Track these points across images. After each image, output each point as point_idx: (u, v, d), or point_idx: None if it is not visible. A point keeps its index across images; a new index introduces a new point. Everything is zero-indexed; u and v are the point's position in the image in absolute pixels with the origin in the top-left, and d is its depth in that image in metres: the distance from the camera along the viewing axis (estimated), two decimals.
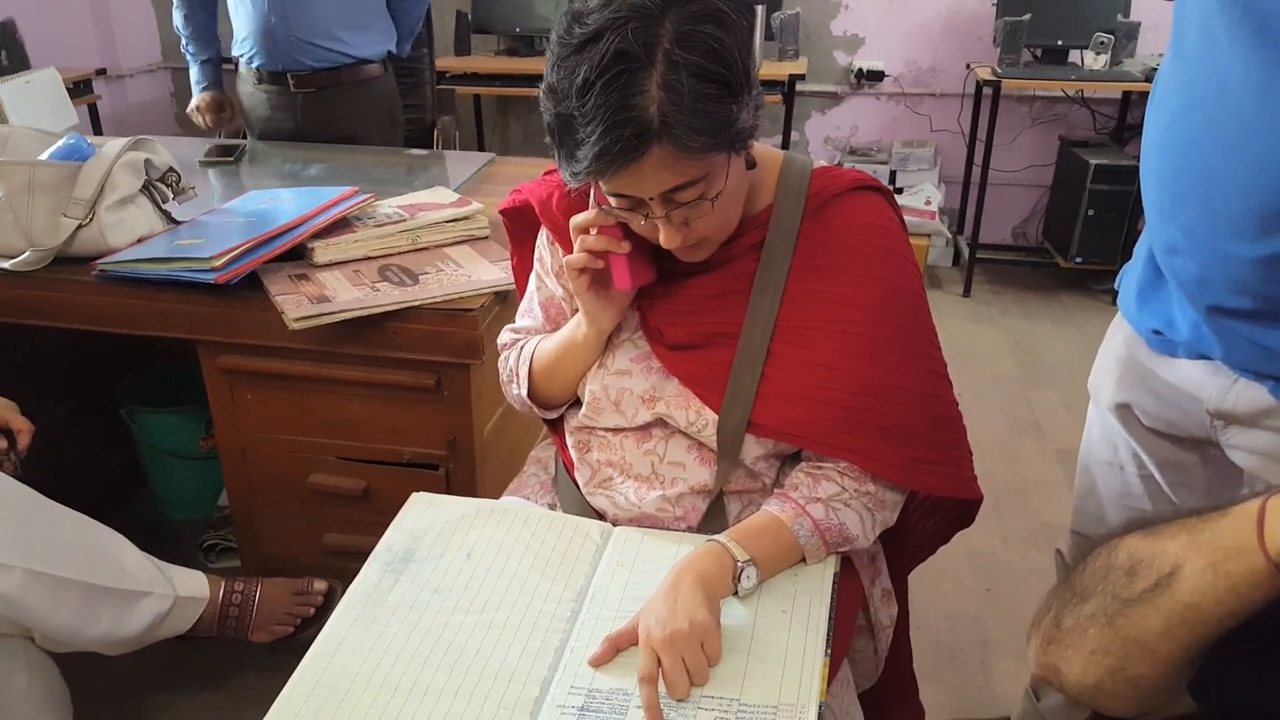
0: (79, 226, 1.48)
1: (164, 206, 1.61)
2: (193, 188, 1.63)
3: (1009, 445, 2.53)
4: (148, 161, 1.57)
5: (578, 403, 1.11)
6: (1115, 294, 1.17)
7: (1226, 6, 0.85)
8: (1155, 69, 1.84)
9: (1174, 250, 0.97)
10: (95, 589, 1.33)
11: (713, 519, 1.05)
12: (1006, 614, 1.91)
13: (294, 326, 1.35)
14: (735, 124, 0.87)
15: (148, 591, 1.41)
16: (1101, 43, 3.22)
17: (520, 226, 1.23)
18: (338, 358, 1.46)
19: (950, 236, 3.72)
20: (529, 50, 3.63)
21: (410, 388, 1.45)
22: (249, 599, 1.54)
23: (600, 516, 1.10)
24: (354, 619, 0.95)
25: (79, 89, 3.37)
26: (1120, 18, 3.27)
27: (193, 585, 1.49)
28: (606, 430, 1.08)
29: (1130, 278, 1.12)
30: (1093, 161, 3.25)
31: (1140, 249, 1.10)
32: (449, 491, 1.37)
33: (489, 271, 1.49)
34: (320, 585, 1.60)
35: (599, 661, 0.89)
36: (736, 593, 0.95)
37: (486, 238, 1.62)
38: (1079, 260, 3.37)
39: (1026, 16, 3.25)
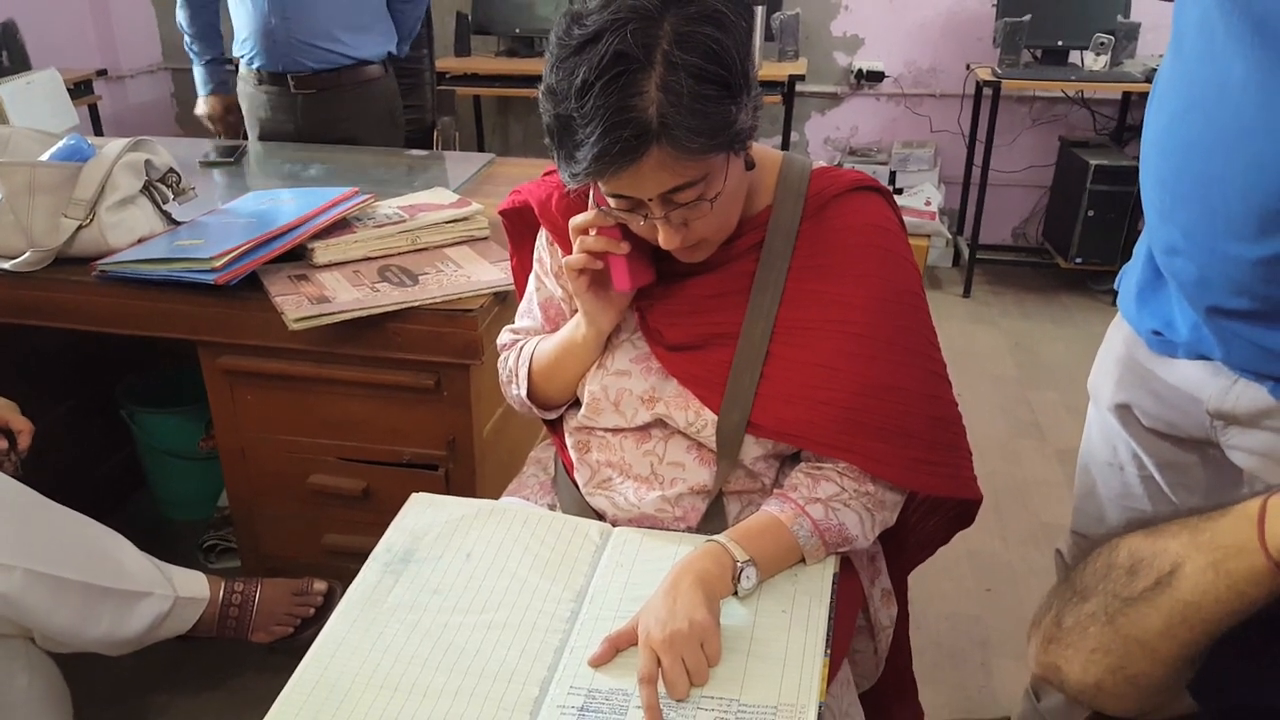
0: (79, 227, 1.48)
1: (164, 207, 1.61)
2: (193, 188, 1.63)
3: (1009, 446, 2.53)
4: (148, 162, 1.57)
5: (577, 403, 1.11)
6: (1115, 294, 1.17)
7: (1225, 7, 0.85)
8: (1155, 69, 1.84)
9: (1173, 251, 0.97)
10: (96, 589, 1.33)
11: (712, 519, 1.05)
12: (1006, 614, 1.91)
13: (294, 327, 1.35)
14: (734, 125, 0.87)
15: (148, 592, 1.41)
16: (1101, 43, 3.22)
17: (520, 227, 1.23)
18: (337, 358, 1.46)
19: (950, 237, 3.72)
20: (529, 51, 3.63)
21: (410, 388, 1.45)
22: (249, 599, 1.54)
23: (600, 517, 1.10)
24: (354, 619, 0.95)
25: (79, 90, 3.38)
26: (1120, 18, 3.27)
27: (193, 586, 1.49)
28: (606, 431, 1.09)
29: (1130, 278, 1.12)
30: (1093, 162, 3.25)
31: (1140, 249, 1.10)
32: (449, 492, 1.37)
33: (488, 272, 1.49)
34: (320, 586, 1.60)
35: (598, 662, 0.89)
36: (736, 593, 0.95)
37: (486, 238, 1.62)
38: (1079, 261, 3.37)
39: (1026, 17, 3.25)
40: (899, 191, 3.66)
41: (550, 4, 3.54)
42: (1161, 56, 1.02)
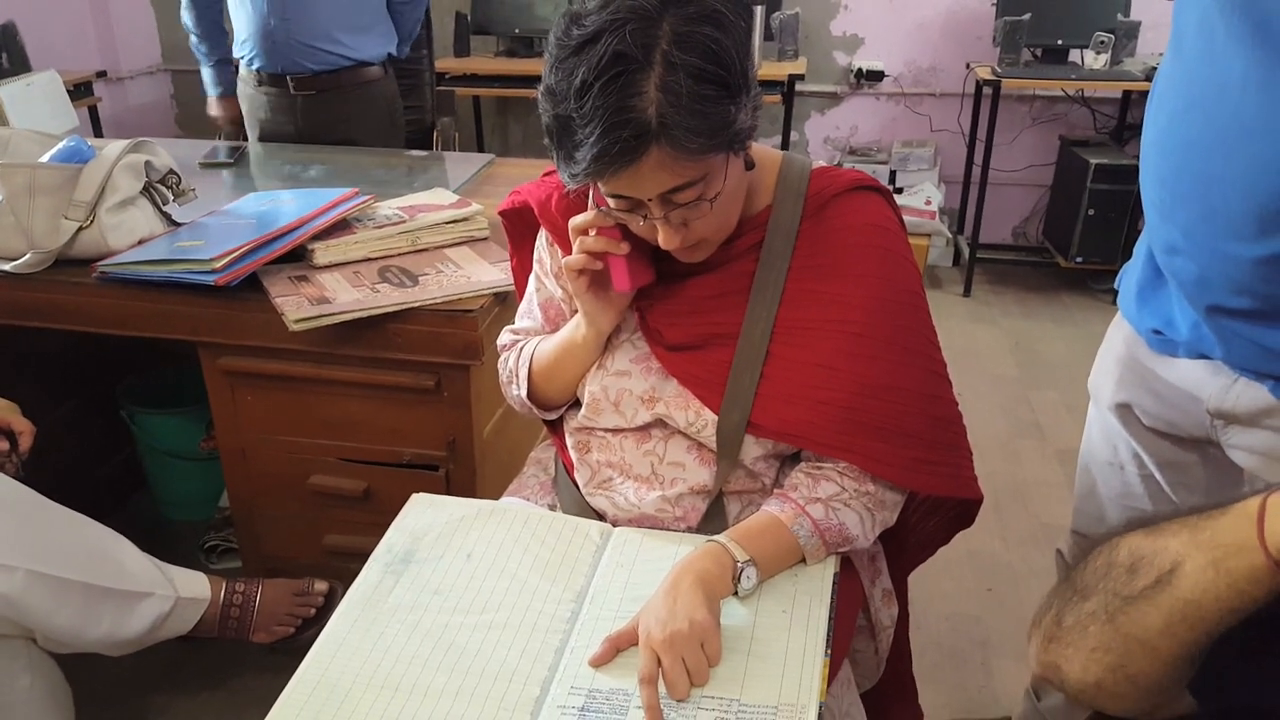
0: (79, 229, 1.48)
1: (164, 208, 1.61)
2: (193, 189, 1.63)
3: (1009, 445, 2.53)
4: (148, 164, 1.57)
5: (577, 404, 1.11)
6: (1115, 294, 1.17)
7: (1225, 7, 0.85)
8: (1155, 68, 1.84)
9: (1174, 250, 0.97)
10: (97, 590, 1.34)
11: (712, 519, 1.05)
12: (1007, 614, 1.91)
13: (294, 328, 1.35)
14: (733, 125, 0.87)
15: (149, 592, 1.41)
16: (1102, 42, 3.22)
17: (520, 228, 1.23)
18: (338, 359, 1.46)
19: (950, 236, 3.72)
20: (528, 51, 3.63)
21: (410, 389, 1.45)
22: (250, 600, 1.54)
23: (600, 517, 1.10)
24: (354, 620, 0.95)
25: (79, 91, 3.38)
26: (1120, 17, 3.27)
27: (194, 586, 1.50)
28: (606, 431, 1.09)
29: (1130, 277, 1.12)
30: (1093, 161, 3.25)
31: (1140, 249, 1.10)
32: (449, 492, 1.37)
33: (488, 273, 1.49)
34: (321, 586, 1.60)
35: (599, 662, 0.89)
36: (736, 593, 0.95)
37: (486, 239, 1.62)
38: (1079, 260, 3.37)
39: (1026, 16, 3.25)
40: (899, 191, 3.65)
41: (550, 4, 3.54)
42: (1162, 55, 1.02)
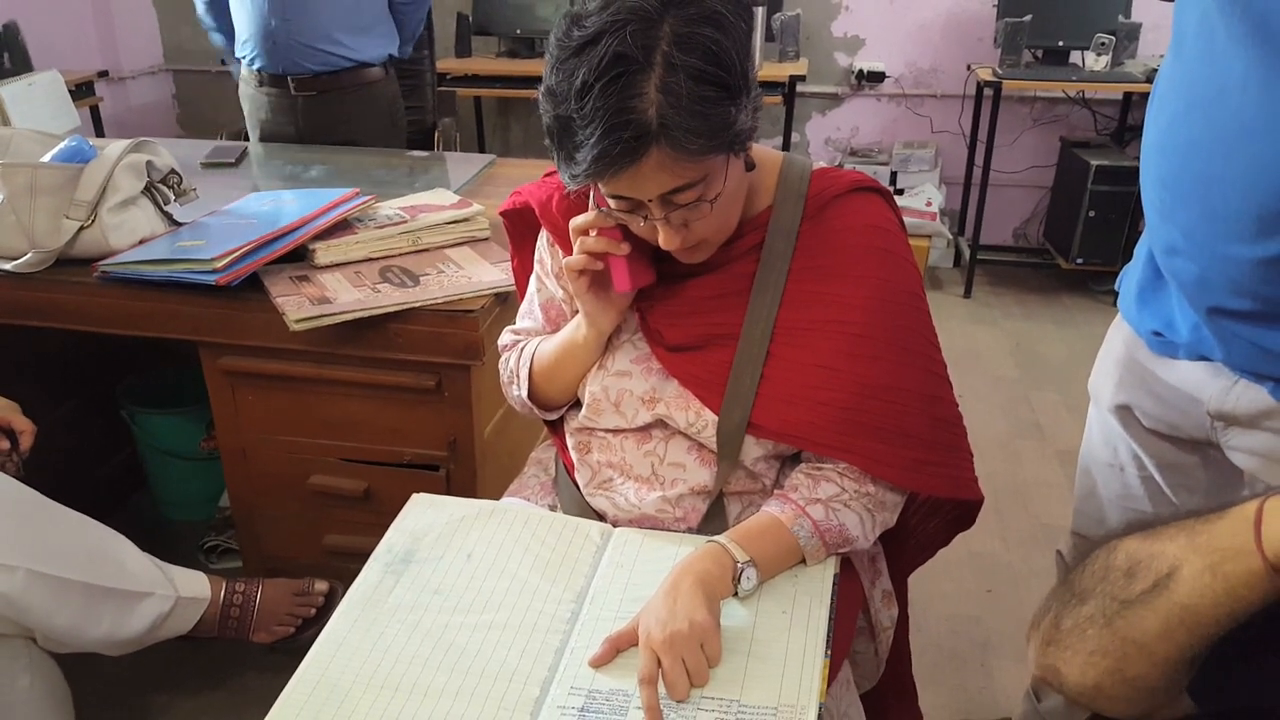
0: (81, 228, 1.48)
1: (165, 208, 1.61)
2: (194, 189, 1.63)
3: (1009, 446, 2.53)
4: (149, 163, 1.57)
5: (578, 404, 1.12)
6: (1116, 295, 1.17)
7: (1225, 7, 0.85)
8: (1156, 70, 1.84)
9: (1174, 251, 0.97)
10: (97, 589, 1.34)
11: (713, 520, 1.05)
12: (1007, 615, 1.91)
13: (295, 328, 1.36)
14: (734, 126, 0.87)
15: (149, 592, 1.41)
16: (1102, 44, 3.22)
17: (520, 228, 1.23)
18: (339, 359, 1.46)
19: (951, 238, 3.72)
20: (529, 52, 3.63)
21: (411, 389, 1.46)
22: (250, 599, 1.54)
23: (600, 517, 1.10)
24: (354, 620, 0.95)
25: (81, 91, 3.38)
26: (1121, 18, 3.27)
27: (194, 586, 1.50)
28: (606, 431, 1.09)
29: (1130, 279, 1.12)
30: (1094, 162, 3.25)
31: (1140, 250, 1.10)
32: (449, 492, 1.37)
33: (489, 273, 1.49)
34: (321, 586, 1.60)
35: (599, 662, 0.89)
36: (736, 594, 0.95)
37: (487, 239, 1.62)
38: (1080, 261, 3.37)
39: (1027, 17, 3.25)
40: (900, 192, 3.66)
41: (550, 5, 3.54)
42: (1162, 57, 1.02)
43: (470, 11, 3.63)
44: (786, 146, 3.56)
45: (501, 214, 1.22)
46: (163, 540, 1.74)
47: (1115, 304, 1.17)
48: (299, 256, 1.51)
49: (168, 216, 1.62)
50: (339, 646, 0.92)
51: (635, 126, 0.83)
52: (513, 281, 1.38)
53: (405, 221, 1.59)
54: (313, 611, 1.58)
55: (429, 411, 1.48)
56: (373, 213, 1.62)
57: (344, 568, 1.33)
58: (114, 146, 1.54)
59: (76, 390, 2.01)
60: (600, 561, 1.02)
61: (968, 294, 3.53)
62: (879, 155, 3.80)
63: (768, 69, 3.32)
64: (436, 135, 2.85)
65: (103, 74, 3.74)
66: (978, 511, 1.11)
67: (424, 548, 1.05)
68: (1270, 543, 0.59)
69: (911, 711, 1.31)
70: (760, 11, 3.18)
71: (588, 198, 1.02)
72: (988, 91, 3.29)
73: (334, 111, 2.43)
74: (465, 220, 1.62)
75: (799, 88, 3.46)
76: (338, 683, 0.88)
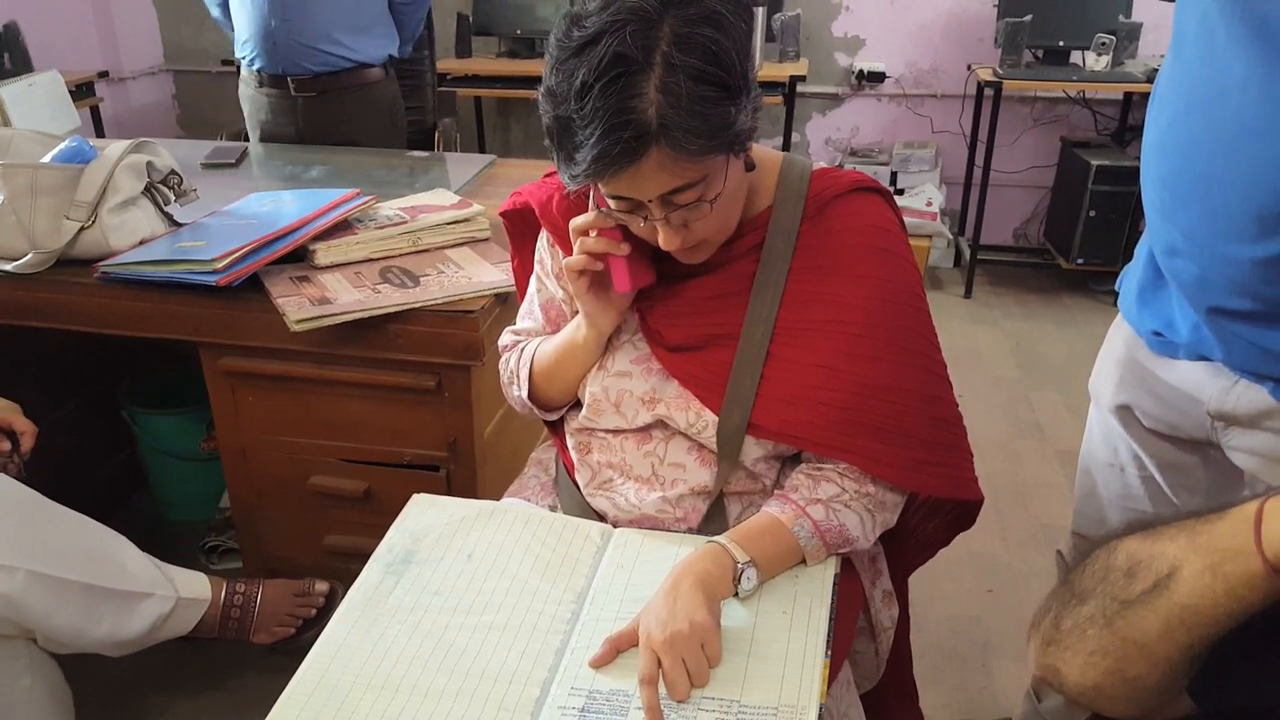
0: (81, 229, 1.48)
1: (166, 209, 1.61)
2: (194, 190, 1.63)
3: (1010, 446, 2.52)
4: (150, 164, 1.57)
5: (578, 404, 1.12)
6: (1116, 295, 1.17)
7: (1226, 8, 0.85)
8: (1156, 70, 1.84)
9: (1174, 251, 0.97)
10: (97, 590, 1.34)
11: (713, 520, 1.05)
12: (1007, 616, 1.91)
13: (295, 328, 1.36)
14: (733, 126, 0.87)
15: (149, 593, 1.41)
16: (1103, 44, 3.22)
17: (520, 228, 1.23)
18: (339, 359, 1.46)
19: (951, 238, 3.72)
20: (530, 52, 3.63)
21: (411, 389, 1.46)
22: (250, 600, 1.54)
23: (601, 518, 1.10)
24: (355, 620, 0.95)
25: (81, 92, 3.38)
26: (1122, 18, 3.27)
27: (194, 586, 1.50)
28: (607, 432, 1.09)
29: (1131, 279, 1.12)
30: (1094, 162, 3.25)
31: (1141, 250, 1.10)
32: (450, 493, 1.37)
33: (489, 273, 1.49)
34: (321, 586, 1.61)
35: (599, 663, 0.89)
36: (737, 594, 0.95)
37: (487, 240, 1.62)
38: (1080, 261, 3.37)
39: (1028, 17, 3.25)
40: (900, 192, 3.65)
41: (551, 5, 3.54)
42: (1163, 57, 1.02)
43: (470, 12, 3.64)
44: (787, 147, 3.56)
45: (501, 214, 1.22)
46: (163, 540, 1.74)
47: (1115, 304, 1.17)
48: (299, 257, 1.51)
49: (168, 217, 1.62)
50: (339, 647, 0.92)
51: (635, 127, 0.83)
52: (513, 282, 1.38)
53: (405, 222, 1.59)
54: (313, 612, 1.58)
55: (429, 412, 1.48)
56: (373, 213, 1.62)
57: (344, 568, 1.33)
58: (114, 147, 1.54)
59: (77, 391, 2.01)
60: (600, 562, 1.02)
61: (968, 294, 3.53)
62: (879, 155, 3.80)
63: (768, 69, 3.32)
64: (437, 135, 2.85)
65: (103, 74, 3.74)
66: (978, 511, 1.11)
67: (424, 548, 1.05)
68: (1270, 543, 0.59)
69: (912, 712, 1.31)
70: (760, 12, 3.18)
71: (588, 198, 1.02)
72: (988, 91, 3.29)
73: (334, 112, 2.43)
74: (465, 221, 1.62)
75: (799, 88, 3.46)
76: (338, 684, 0.88)
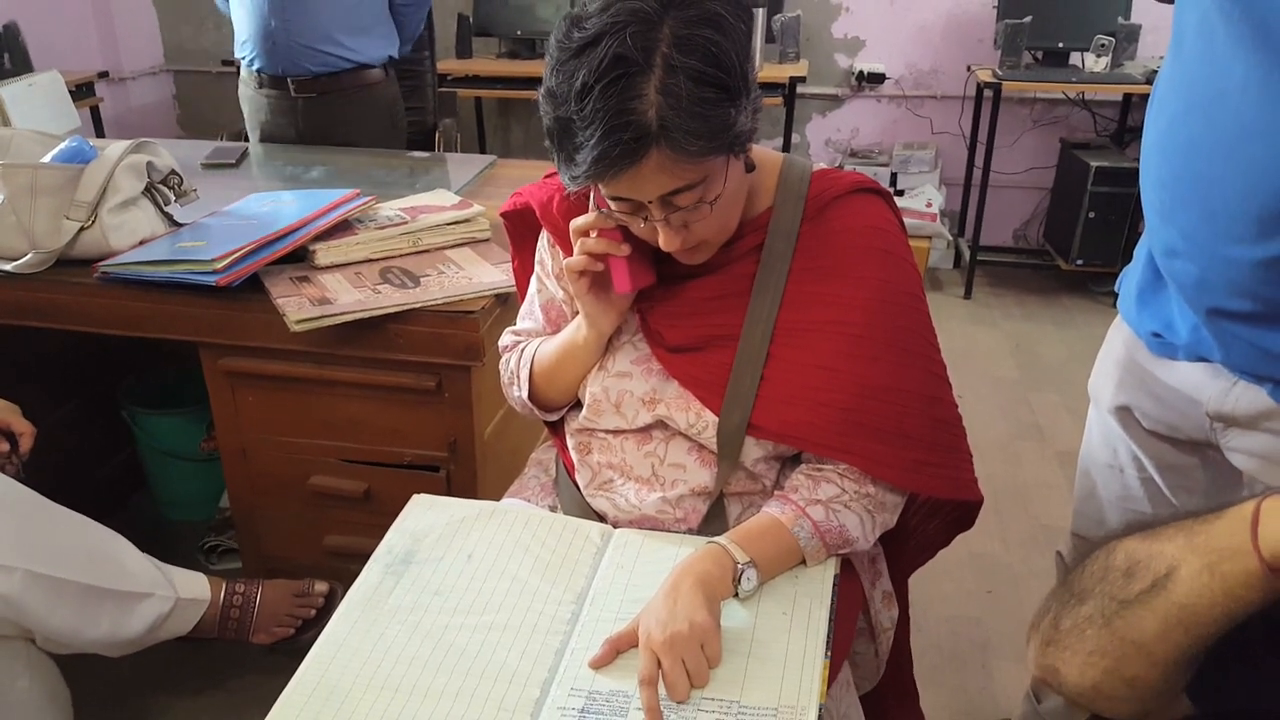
0: (81, 229, 1.48)
1: (166, 209, 1.61)
2: (194, 190, 1.63)
3: (1009, 447, 2.53)
4: (150, 164, 1.57)
5: (578, 405, 1.12)
6: (1116, 296, 1.17)
7: (1225, 9, 0.85)
8: (1156, 71, 1.84)
9: (1173, 253, 0.97)
10: (96, 590, 1.34)
11: (713, 521, 1.05)
12: (1007, 616, 1.91)
13: (295, 328, 1.36)
14: (733, 127, 0.87)
15: (149, 593, 1.41)
16: (1102, 45, 3.22)
17: (521, 229, 1.23)
18: (339, 360, 1.46)
19: (951, 239, 3.72)
20: (530, 53, 3.64)
21: (411, 389, 1.46)
22: (250, 600, 1.54)
23: (601, 518, 1.10)
24: (354, 621, 0.95)
25: (81, 92, 3.38)
26: (1121, 20, 3.27)
27: (194, 587, 1.50)
28: (607, 432, 1.09)
29: (1130, 280, 1.12)
30: (1093, 164, 3.25)
31: (1140, 251, 1.10)
32: (450, 493, 1.37)
33: (490, 274, 1.49)
34: (321, 587, 1.60)
35: (599, 664, 0.89)
36: (737, 594, 0.95)
37: (487, 240, 1.62)
38: (1080, 262, 3.37)
39: (1027, 19, 3.25)
40: (900, 193, 3.66)
41: (551, 6, 3.54)
42: (1162, 58, 1.02)
43: (471, 12, 3.64)
44: (787, 148, 3.56)
45: (502, 215, 1.22)
46: (163, 540, 1.74)
47: (1115, 305, 1.17)
48: (299, 257, 1.51)
49: (168, 217, 1.62)
50: (339, 648, 0.92)
51: (635, 128, 0.83)
52: (513, 282, 1.38)
53: (406, 222, 1.59)
54: (313, 612, 1.58)
55: (429, 412, 1.48)
56: (373, 214, 1.62)
57: (344, 568, 1.33)
58: (114, 147, 1.54)
59: (77, 391, 2.01)
60: (600, 563, 1.02)
61: (968, 295, 3.53)
62: (879, 156, 3.81)
63: (768, 70, 3.32)
64: (437, 136, 2.85)
65: (103, 74, 3.74)
66: (977, 512, 1.11)
67: (424, 549, 1.05)
68: (1267, 543, 0.59)
69: (912, 712, 1.31)
70: (760, 13, 3.18)
71: (588, 199, 1.02)
72: (988, 93, 3.29)
73: (334, 113, 2.42)
74: (466, 221, 1.62)
75: (799, 89, 3.47)
76: (337, 684, 0.88)
